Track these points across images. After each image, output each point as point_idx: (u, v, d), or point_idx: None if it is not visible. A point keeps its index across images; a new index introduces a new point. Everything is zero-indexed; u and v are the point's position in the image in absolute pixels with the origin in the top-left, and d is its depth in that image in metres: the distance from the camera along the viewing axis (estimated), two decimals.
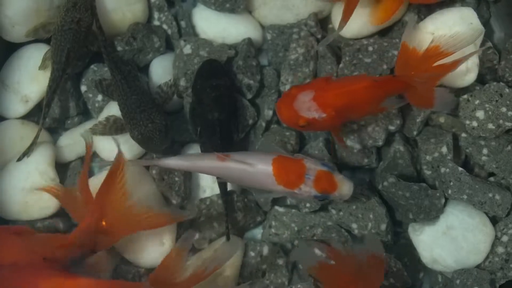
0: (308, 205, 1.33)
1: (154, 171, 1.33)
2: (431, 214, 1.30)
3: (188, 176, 1.36)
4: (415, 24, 1.31)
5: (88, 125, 1.36)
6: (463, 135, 1.33)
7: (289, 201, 1.38)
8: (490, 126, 1.30)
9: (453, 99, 1.30)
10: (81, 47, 1.35)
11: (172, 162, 1.22)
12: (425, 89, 1.23)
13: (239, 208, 1.34)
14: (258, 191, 1.27)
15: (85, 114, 1.43)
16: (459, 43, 1.24)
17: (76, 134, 1.39)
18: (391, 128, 1.33)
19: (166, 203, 1.33)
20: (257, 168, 1.19)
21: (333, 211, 1.33)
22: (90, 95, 1.40)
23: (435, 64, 1.23)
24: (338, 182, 1.19)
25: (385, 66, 1.36)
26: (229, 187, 1.32)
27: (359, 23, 1.37)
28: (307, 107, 1.19)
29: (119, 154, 1.19)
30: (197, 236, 1.33)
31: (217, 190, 1.33)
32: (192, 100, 1.34)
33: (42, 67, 1.35)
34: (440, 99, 1.26)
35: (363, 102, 1.21)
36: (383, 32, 1.40)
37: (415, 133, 1.34)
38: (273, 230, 1.34)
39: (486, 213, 1.31)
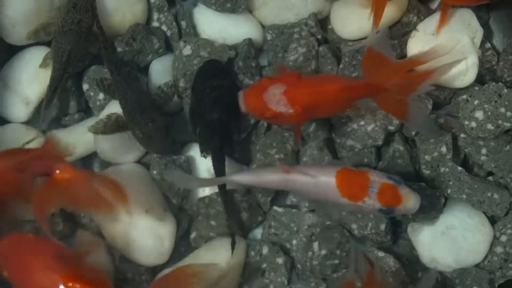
0: (307, 204, 1.33)
1: (154, 172, 1.33)
2: (430, 214, 1.30)
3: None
4: (385, 29, 1.32)
5: (90, 122, 1.36)
6: (462, 135, 1.34)
7: (290, 201, 1.38)
8: (489, 126, 1.31)
9: (428, 121, 1.30)
10: (82, 48, 1.35)
11: (239, 178, 1.23)
12: (398, 98, 1.23)
13: (244, 208, 1.34)
14: (328, 208, 1.27)
15: (87, 111, 1.43)
16: (434, 55, 1.24)
17: (75, 131, 1.39)
18: (391, 128, 1.33)
19: (167, 203, 1.34)
20: (320, 180, 1.18)
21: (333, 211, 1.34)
22: (92, 94, 1.40)
23: (408, 72, 1.23)
24: (403, 196, 1.16)
25: None
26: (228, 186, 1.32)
27: (358, 24, 1.37)
28: (277, 100, 1.18)
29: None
30: (194, 234, 1.33)
31: (216, 189, 1.33)
32: (192, 101, 1.35)
33: (43, 65, 1.36)
34: (414, 114, 1.24)
35: (331, 103, 1.21)
36: None
37: (413, 133, 1.35)
38: (272, 230, 1.35)
39: (485, 213, 1.31)
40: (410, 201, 1.17)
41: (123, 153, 1.36)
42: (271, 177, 1.21)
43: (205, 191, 1.36)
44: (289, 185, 1.21)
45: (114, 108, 1.34)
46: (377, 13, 1.27)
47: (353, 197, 1.17)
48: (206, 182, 1.33)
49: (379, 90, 1.21)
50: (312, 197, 1.27)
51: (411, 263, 1.34)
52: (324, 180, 1.18)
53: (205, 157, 1.32)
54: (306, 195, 1.27)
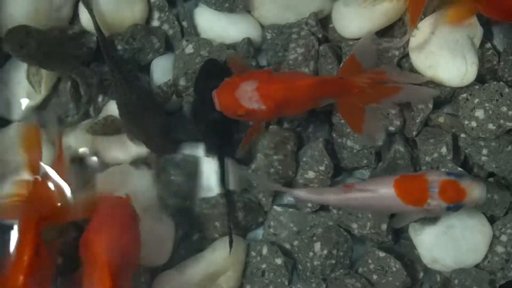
0: (310, 204, 1.33)
1: (154, 171, 1.34)
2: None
3: (193, 176, 1.36)
4: (371, 38, 1.31)
5: (88, 124, 1.37)
6: (462, 135, 1.33)
7: (286, 200, 1.38)
8: (490, 126, 1.30)
9: (375, 137, 1.29)
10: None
11: (301, 194, 1.23)
12: (357, 104, 1.23)
13: (239, 208, 1.34)
14: (398, 218, 1.27)
15: (84, 113, 1.42)
16: (403, 77, 1.25)
17: (74, 133, 1.39)
18: (391, 128, 1.33)
19: (165, 204, 1.34)
20: (380, 193, 1.17)
21: (334, 211, 1.33)
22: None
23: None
24: (466, 188, 1.15)
25: None
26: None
27: (359, 23, 1.37)
28: (249, 97, 1.17)
29: None
30: (196, 236, 1.33)
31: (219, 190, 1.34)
32: (193, 100, 1.34)
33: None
34: (368, 125, 1.24)
35: (303, 99, 1.20)
36: (383, 32, 1.39)
37: (414, 133, 1.34)
38: (271, 230, 1.35)
39: (484, 213, 1.31)
40: (475, 191, 1.15)
41: (122, 153, 1.36)
42: (333, 197, 1.21)
43: (212, 193, 1.36)
44: (351, 203, 1.22)
45: (112, 109, 1.35)
46: (415, 11, 1.26)
47: (416, 202, 1.16)
48: (271, 186, 1.33)
49: (350, 87, 1.21)
50: (379, 212, 1.28)
51: (412, 263, 1.34)
52: (384, 192, 1.17)
53: (208, 157, 1.32)
54: (369, 210, 1.27)
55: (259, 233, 1.38)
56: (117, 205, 1.17)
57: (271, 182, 1.31)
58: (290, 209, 1.35)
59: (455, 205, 1.15)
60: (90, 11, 1.35)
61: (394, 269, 1.29)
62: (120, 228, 1.13)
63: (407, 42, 1.35)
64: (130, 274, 1.15)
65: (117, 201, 1.18)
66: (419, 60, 1.34)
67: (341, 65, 1.35)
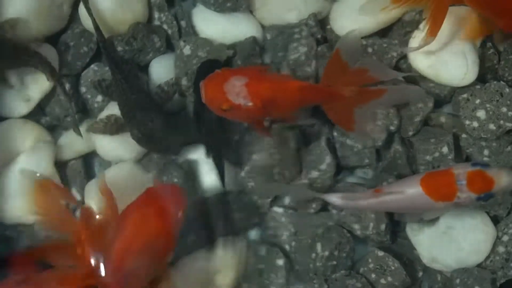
0: (314, 205, 1.33)
1: (154, 171, 1.33)
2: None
3: (192, 177, 1.36)
4: (355, 32, 1.30)
5: (89, 123, 1.36)
6: (464, 135, 1.34)
7: (287, 202, 1.38)
8: (491, 126, 1.30)
9: (370, 135, 1.31)
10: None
11: (337, 200, 1.23)
12: (345, 107, 1.23)
13: (236, 208, 1.34)
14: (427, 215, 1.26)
15: (84, 112, 1.42)
16: (387, 74, 1.26)
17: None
18: (391, 128, 1.33)
19: None
20: (409, 193, 1.18)
21: (334, 211, 1.33)
22: (89, 96, 1.40)
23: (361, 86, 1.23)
24: (493, 177, 1.14)
25: None
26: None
27: (358, 24, 1.37)
28: (237, 92, 1.15)
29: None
30: (196, 235, 1.33)
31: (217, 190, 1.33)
32: (195, 100, 1.34)
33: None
34: (359, 124, 1.25)
35: (290, 101, 1.20)
36: (383, 33, 1.40)
37: (410, 133, 1.34)
38: (271, 232, 1.34)
39: (487, 213, 1.31)
40: (503, 179, 1.14)
41: (123, 153, 1.36)
42: (366, 202, 1.21)
43: (206, 193, 1.36)
44: (383, 206, 1.22)
45: (113, 110, 1.34)
46: (436, 21, 1.24)
47: (446, 197, 1.16)
48: (301, 193, 1.32)
49: (337, 97, 1.21)
50: (404, 211, 1.27)
51: (411, 263, 1.34)
52: (412, 192, 1.17)
53: (208, 158, 1.32)
54: (403, 211, 1.27)
55: (257, 233, 1.37)
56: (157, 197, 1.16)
57: (309, 191, 1.30)
58: (290, 210, 1.35)
59: (486, 195, 1.15)
60: (89, 11, 1.34)
61: (393, 268, 1.29)
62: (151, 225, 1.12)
63: (406, 43, 1.35)
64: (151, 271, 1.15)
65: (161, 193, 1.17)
66: (418, 59, 1.34)
67: (395, 59, 1.36)
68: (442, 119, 1.35)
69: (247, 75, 1.17)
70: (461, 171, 1.15)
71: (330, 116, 1.27)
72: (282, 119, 1.28)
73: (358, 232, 1.31)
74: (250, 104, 1.15)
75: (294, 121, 1.29)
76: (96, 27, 1.34)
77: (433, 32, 1.25)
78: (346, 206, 1.24)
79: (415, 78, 1.36)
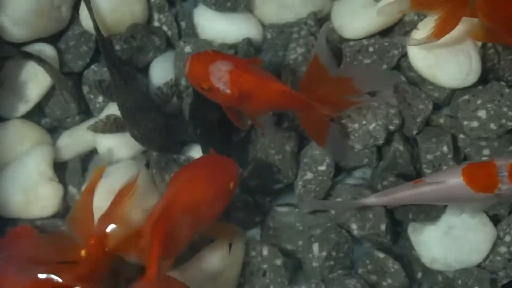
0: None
1: (154, 170, 1.33)
2: (431, 214, 1.30)
3: None
4: (327, 31, 1.30)
5: (90, 123, 1.36)
6: (461, 136, 1.33)
7: (288, 201, 1.38)
8: (492, 126, 1.30)
9: (344, 148, 1.31)
10: None
11: (373, 200, 1.25)
12: (320, 120, 1.23)
13: (237, 208, 1.33)
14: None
15: (86, 113, 1.43)
16: (373, 83, 1.25)
17: (76, 133, 1.40)
18: (391, 127, 1.33)
19: None
20: (449, 183, 1.18)
21: (332, 211, 1.33)
22: (92, 96, 1.40)
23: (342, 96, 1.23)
24: None
25: (385, 66, 1.36)
26: None
27: (359, 24, 1.37)
28: (219, 75, 1.16)
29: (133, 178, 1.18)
30: (197, 235, 1.33)
31: None
32: (192, 101, 1.34)
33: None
34: (331, 139, 1.25)
35: (267, 101, 1.20)
36: (384, 32, 1.39)
37: (414, 132, 1.34)
38: (271, 232, 1.34)
39: (486, 212, 1.31)
40: None
41: (123, 151, 1.36)
42: (404, 194, 1.22)
43: None
44: (423, 197, 1.22)
45: (113, 110, 1.34)
46: (445, 27, 1.24)
47: (487, 189, 1.17)
48: (349, 206, 1.31)
49: (313, 110, 1.21)
50: (445, 203, 1.27)
51: (411, 264, 1.33)
52: (453, 182, 1.18)
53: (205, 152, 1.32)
54: (441, 202, 1.27)
55: (255, 232, 1.37)
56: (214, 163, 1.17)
57: (349, 202, 1.30)
58: (296, 210, 1.35)
59: None
60: (90, 11, 1.35)
61: (393, 269, 1.29)
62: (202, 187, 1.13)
63: (406, 42, 1.35)
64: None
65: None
66: (418, 59, 1.34)
67: (396, 57, 1.36)
68: (441, 120, 1.36)
69: (234, 63, 1.18)
70: (503, 162, 1.16)
71: (303, 125, 1.28)
72: (251, 116, 1.27)
73: (355, 232, 1.30)
74: (228, 91, 1.16)
75: (259, 125, 1.28)
76: (96, 27, 1.35)
77: (438, 35, 1.25)
78: (387, 202, 1.25)
79: (415, 79, 1.36)
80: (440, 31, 1.24)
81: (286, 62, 1.37)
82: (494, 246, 1.29)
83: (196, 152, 1.36)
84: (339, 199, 1.31)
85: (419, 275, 1.33)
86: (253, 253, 1.32)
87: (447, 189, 1.19)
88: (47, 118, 1.41)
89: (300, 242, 1.33)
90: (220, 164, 1.17)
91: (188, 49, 1.38)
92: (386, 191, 1.26)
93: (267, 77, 1.20)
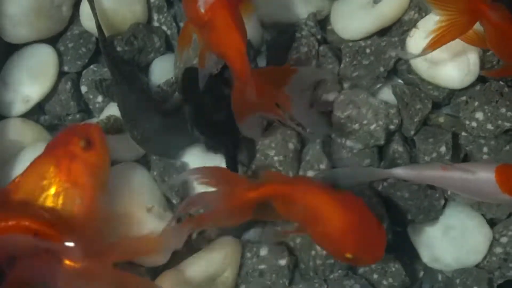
0: None
1: (155, 173, 1.32)
2: (430, 215, 1.30)
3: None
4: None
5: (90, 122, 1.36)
6: (463, 133, 1.34)
7: None
8: (489, 126, 1.31)
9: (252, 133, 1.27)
10: None
11: (400, 172, 1.24)
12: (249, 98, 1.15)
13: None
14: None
15: (86, 111, 1.43)
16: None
17: None
18: (391, 127, 1.34)
19: (168, 204, 1.32)
20: (479, 176, 1.18)
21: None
22: (91, 96, 1.40)
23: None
24: None
25: (382, 69, 1.36)
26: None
27: (358, 25, 1.38)
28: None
29: None
30: (195, 235, 1.33)
31: None
32: (191, 109, 1.33)
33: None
34: (249, 120, 1.20)
35: (219, 37, 1.11)
36: (381, 33, 1.40)
37: (412, 132, 1.35)
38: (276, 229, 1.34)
39: (484, 215, 1.32)
40: None
41: (124, 152, 1.35)
42: (430, 173, 1.22)
43: None
44: (448, 182, 1.22)
45: (113, 110, 1.34)
46: (443, 39, 1.21)
47: None
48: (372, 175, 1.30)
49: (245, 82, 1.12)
50: (469, 194, 1.25)
51: (411, 263, 1.34)
52: (483, 176, 1.17)
53: (215, 153, 1.32)
54: (463, 192, 1.25)
55: (254, 233, 1.36)
56: None
57: (377, 170, 1.28)
58: None
59: None
60: (93, 10, 1.35)
61: (393, 269, 1.29)
62: None
63: (404, 42, 1.36)
64: None
65: None
66: (417, 60, 1.35)
67: (393, 59, 1.36)
68: (441, 120, 1.36)
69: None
70: None
71: (234, 94, 1.18)
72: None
73: None
74: (202, 11, 1.09)
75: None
76: (98, 26, 1.35)
77: (434, 46, 1.23)
78: (412, 178, 1.24)
79: (415, 81, 1.37)
80: (436, 43, 1.23)
81: (286, 63, 1.37)
82: (491, 247, 1.30)
83: (194, 156, 1.36)
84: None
85: (420, 274, 1.34)
86: (249, 254, 1.31)
87: (475, 181, 1.18)
88: (46, 116, 1.41)
89: (298, 241, 1.32)
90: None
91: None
92: (414, 166, 1.26)
93: (240, 30, 1.11)
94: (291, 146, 1.34)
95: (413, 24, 1.37)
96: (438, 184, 1.26)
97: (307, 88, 1.31)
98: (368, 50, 1.37)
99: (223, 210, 1.13)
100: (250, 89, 1.10)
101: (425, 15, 1.37)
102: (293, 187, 1.12)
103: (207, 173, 1.15)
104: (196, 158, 1.35)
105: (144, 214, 1.27)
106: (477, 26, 1.23)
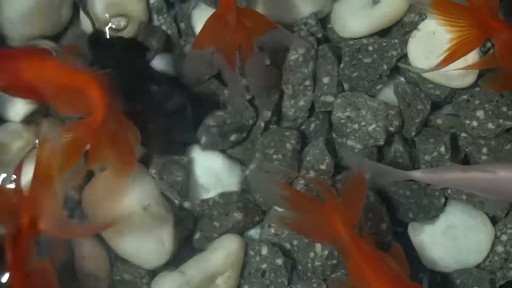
0: None
1: (153, 171, 1.33)
2: (430, 213, 1.30)
3: (188, 175, 1.35)
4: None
5: None
6: (463, 134, 1.34)
7: None
8: (490, 125, 1.31)
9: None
10: None
11: (419, 175, 1.21)
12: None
13: (239, 208, 1.33)
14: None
15: None
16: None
17: None
18: (391, 128, 1.33)
19: (167, 202, 1.33)
20: (500, 175, 1.16)
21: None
22: None
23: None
24: None
25: (385, 66, 1.36)
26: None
27: (359, 24, 1.37)
28: None
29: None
30: (198, 235, 1.33)
31: (220, 190, 1.35)
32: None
33: None
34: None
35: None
36: (382, 33, 1.40)
37: (413, 133, 1.35)
38: (272, 230, 1.34)
39: (487, 214, 1.31)
40: None
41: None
42: (449, 176, 1.20)
43: (210, 193, 1.36)
44: (467, 183, 1.19)
45: None
46: (454, 56, 1.21)
47: None
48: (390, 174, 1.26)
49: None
50: (490, 195, 1.24)
51: (411, 263, 1.33)
52: (504, 176, 1.16)
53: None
54: (484, 193, 1.24)
55: (255, 232, 1.38)
56: None
57: (394, 170, 1.25)
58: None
59: None
60: (87, 13, 1.36)
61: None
62: None
63: (406, 42, 1.35)
64: None
65: None
66: (418, 60, 1.35)
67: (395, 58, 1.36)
68: (439, 121, 1.36)
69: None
70: None
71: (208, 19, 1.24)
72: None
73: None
74: None
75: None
76: (93, 24, 1.35)
77: (446, 63, 1.21)
78: (431, 181, 1.22)
79: (415, 80, 1.36)
80: (447, 60, 1.21)
81: (286, 63, 1.37)
82: (493, 246, 1.30)
83: (195, 153, 1.37)
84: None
85: (420, 274, 1.34)
86: (252, 253, 1.32)
87: (496, 181, 1.16)
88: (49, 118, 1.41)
89: (295, 242, 1.33)
90: None
91: (188, 48, 1.38)
92: (433, 169, 1.24)
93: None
94: (288, 146, 1.34)
95: (414, 26, 1.37)
96: (458, 186, 1.24)
97: (276, 47, 1.32)
98: (371, 48, 1.37)
99: None
100: (231, 16, 1.15)
101: (426, 17, 1.36)
102: None
103: None
104: (196, 156, 1.37)
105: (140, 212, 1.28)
106: None
